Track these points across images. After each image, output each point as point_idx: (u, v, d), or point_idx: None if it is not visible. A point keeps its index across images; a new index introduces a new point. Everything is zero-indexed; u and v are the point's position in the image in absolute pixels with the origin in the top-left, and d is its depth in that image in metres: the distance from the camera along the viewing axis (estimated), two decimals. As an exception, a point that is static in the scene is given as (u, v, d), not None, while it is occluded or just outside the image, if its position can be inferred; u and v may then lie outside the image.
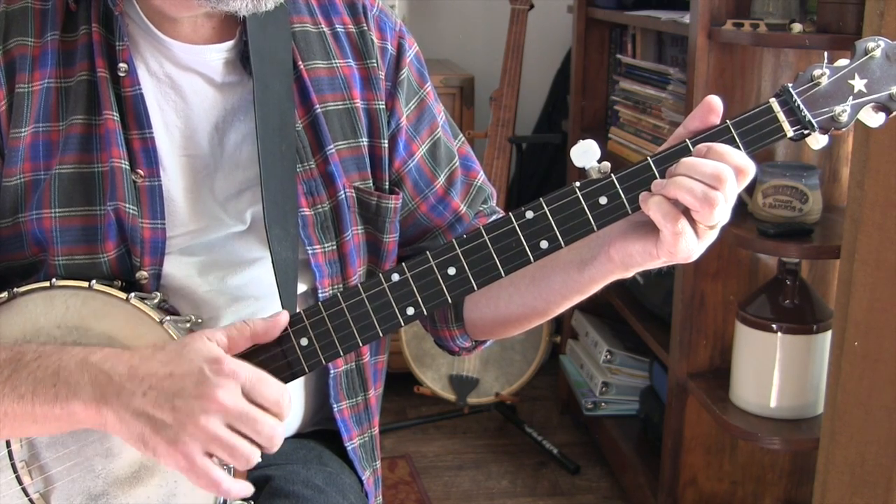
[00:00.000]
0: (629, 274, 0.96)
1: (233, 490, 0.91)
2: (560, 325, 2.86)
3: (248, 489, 0.93)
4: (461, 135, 1.21)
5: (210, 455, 0.89)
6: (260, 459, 0.91)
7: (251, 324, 0.94)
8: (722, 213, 0.87)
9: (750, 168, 0.88)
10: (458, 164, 1.18)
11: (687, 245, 0.88)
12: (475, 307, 1.12)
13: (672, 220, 0.86)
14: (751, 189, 1.87)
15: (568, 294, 1.02)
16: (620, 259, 0.94)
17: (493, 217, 1.19)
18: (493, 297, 1.08)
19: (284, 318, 0.96)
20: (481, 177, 1.20)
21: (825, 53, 0.91)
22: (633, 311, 2.35)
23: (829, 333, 1.76)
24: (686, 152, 0.89)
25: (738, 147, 0.88)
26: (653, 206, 0.87)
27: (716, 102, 0.90)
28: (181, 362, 0.90)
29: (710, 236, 0.90)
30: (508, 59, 2.88)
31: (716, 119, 0.90)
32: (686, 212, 0.87)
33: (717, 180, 0.85)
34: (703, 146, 0.88)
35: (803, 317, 1.82)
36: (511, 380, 2.73)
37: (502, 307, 1.09)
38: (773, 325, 1.81)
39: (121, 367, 0.91)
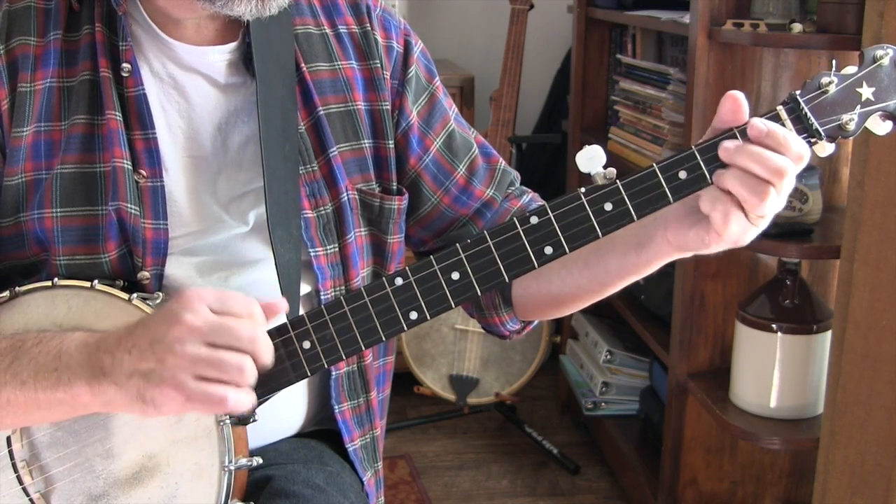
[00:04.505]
0: (687, 255, 0.96)
1: (241, 401, 0.89)
2: (560, 325, 2.86)
3: (252, 397, 0.90)
4: (472, 127, 1.21)
5: (203, 379, 0.88)
6: (255, 372, 0.90)
7: None
8: (774, 206, 0.88)
9: (807, 154, 0.88)
10: (477, 152, 1.18)
11: (738, 235, 0.89)
12: (526, 290, 1.12)
13: (724, 220, 0.88)
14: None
15: (624, 275, 1.01)
16: (677, 243, 0.94)
17: (525, 199, 1.18)
18: (544, 279, 1.08)
19: (282, 305, 0.95)
20: (502, 162, 1.20)
21: (833, 61, 0.91)
22: (633, 311, 2.35)
23: (829, 333, 1.76)
24: (692, 159, 0.89)
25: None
26: (707, 203, 0.88)
27: (740, 99, 0.89)
28: (154, 313, 0.92)
29: (763, 224, 0.91)
30: (508, 59, 2.88)
31: (743, 117, 0.89)
32: (739, 203, 0.87)
33: (778, 175, 0.86)
34: (760, 127, 0.87)
35: (803, 317, 1.82)
36: (511, 380, 2.74)
37: (555, 289, 1.08)
38: (773, 325, 1.81)
39: (111, 341, 0.91)
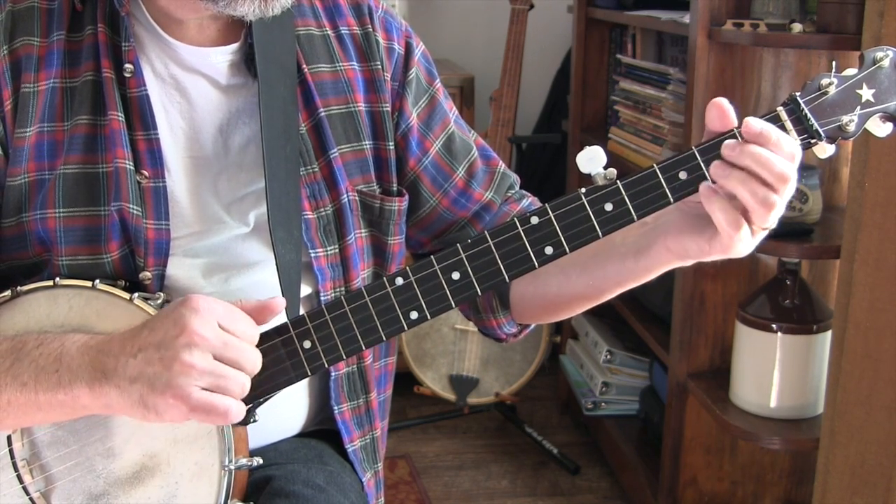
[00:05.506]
0: (687, 264, 0.96)
1: (241, 413, 0.90)
2: (560, 325, 2.86)
3: (244, 409, 0.92)
4: (472, 129, 1.22)
5: (206, 390, 0.89)
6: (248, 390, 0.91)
7: (244, 303, 0.94)
8: (778, 216, 0.88)
9: (799, 155, 0.88)
10: (476, 155, 1.18)
11: (743, 245, 0.89)
12: (522, 295, 1.12)
13: (735, 227, 0.87)
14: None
15: (622, 282, 1.01)
16: (676, 252, 0.94)
17: (524, 202, 1.19)
18: (541, 283, 1.08)
19: (279, 302, 0.95)
20: (502, 165, 1.20)
21: (833, 62, 0.91)
22: (633, 311, 2.35)
23: (829, 333, 1.76)
24: (692, 159, 0.89)
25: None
26: (718, 212, 0.87)
27: (725, 106, 0.89)
28: (159, 315, 0.91)
29: (763, 234, 0.91)
30: (508, 59, 2.89)
31: (731, 122, 0.89)
32: (744, 212, 0.87)
33: (782, 180, 0.86)
34: (753, 127, 0.86)
35: (803, 317, 1.82)
36: (511, 380, 2.74)
37: (552, 294, 1.08)
38: (773, 325, 1.82)
39: (114, 344, 0.92)
